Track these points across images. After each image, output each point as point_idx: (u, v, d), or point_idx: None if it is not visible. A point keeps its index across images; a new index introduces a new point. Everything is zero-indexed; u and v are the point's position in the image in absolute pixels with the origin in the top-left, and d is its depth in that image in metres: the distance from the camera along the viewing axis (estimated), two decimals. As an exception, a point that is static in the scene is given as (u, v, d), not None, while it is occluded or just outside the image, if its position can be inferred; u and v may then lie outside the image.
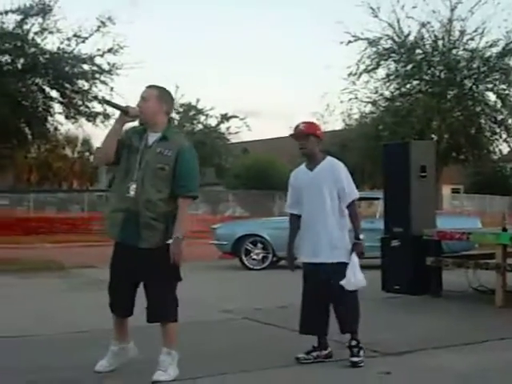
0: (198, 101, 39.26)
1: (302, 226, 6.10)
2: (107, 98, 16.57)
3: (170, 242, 5.22)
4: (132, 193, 5.31)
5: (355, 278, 5.83)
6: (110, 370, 5.53)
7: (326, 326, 5.99)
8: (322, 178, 5.99)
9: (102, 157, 5.62)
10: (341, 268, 5.84)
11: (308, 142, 6.04)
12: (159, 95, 5.46)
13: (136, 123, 5.69)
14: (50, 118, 19.80)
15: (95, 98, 18.84)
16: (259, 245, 14.12)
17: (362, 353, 5.89)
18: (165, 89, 5.58)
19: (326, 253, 5.89)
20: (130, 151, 5.42)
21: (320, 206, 5.95)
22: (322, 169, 6.04)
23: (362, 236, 5.95)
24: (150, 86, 5.52)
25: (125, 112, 5.44)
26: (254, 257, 14.16)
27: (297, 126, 6.12)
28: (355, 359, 5.83)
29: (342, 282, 5.80)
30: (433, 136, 25.29)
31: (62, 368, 5.72)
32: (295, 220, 6.18)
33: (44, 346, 6.73)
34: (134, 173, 5.33)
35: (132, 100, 10.67)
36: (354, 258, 5.88)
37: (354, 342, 5.92)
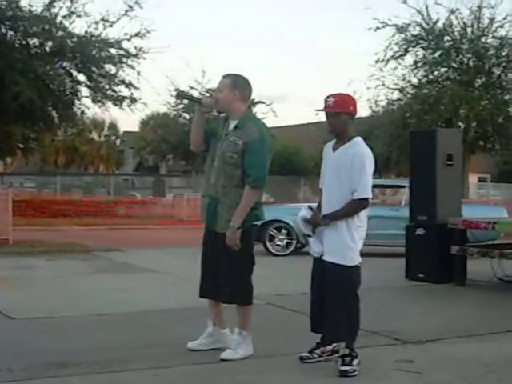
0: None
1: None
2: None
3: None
4: (213, 180, 5.49)
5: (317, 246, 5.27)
6: (201, 349, 5.66)
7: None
8: (341, 161, 5.15)
9: (191, 145, 5.80)
10: (339, 270, 5.12)
11: (339, 120, 5.16)
12: (232, 84, 5.48)
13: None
14: (76, 102, 19.94)
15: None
16: (283, 231, 14.08)
17: (355, 362, 5.13)
18: (239, 76, 5.57)
19: (329, 248, 5.19)
20: (216, 139, 5.57)
21: (332, 193, 5.19)
22: (343, 151, 5.18)
23: (329, 221, 5.11)
24: (224, 76, 5.57)
25: (199, 103, 5.60)
26: (278, 243, 14.14)
27: (326, 100, 5.15)
28: (345, 368, 5.06)
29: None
30: (460, 124, 25.14)
31: (88, 349, 5.78)
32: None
33: (71, 327, 6.81)
34: (215, 160, 5.49)
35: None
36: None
37: (346, 351, 5.18)
